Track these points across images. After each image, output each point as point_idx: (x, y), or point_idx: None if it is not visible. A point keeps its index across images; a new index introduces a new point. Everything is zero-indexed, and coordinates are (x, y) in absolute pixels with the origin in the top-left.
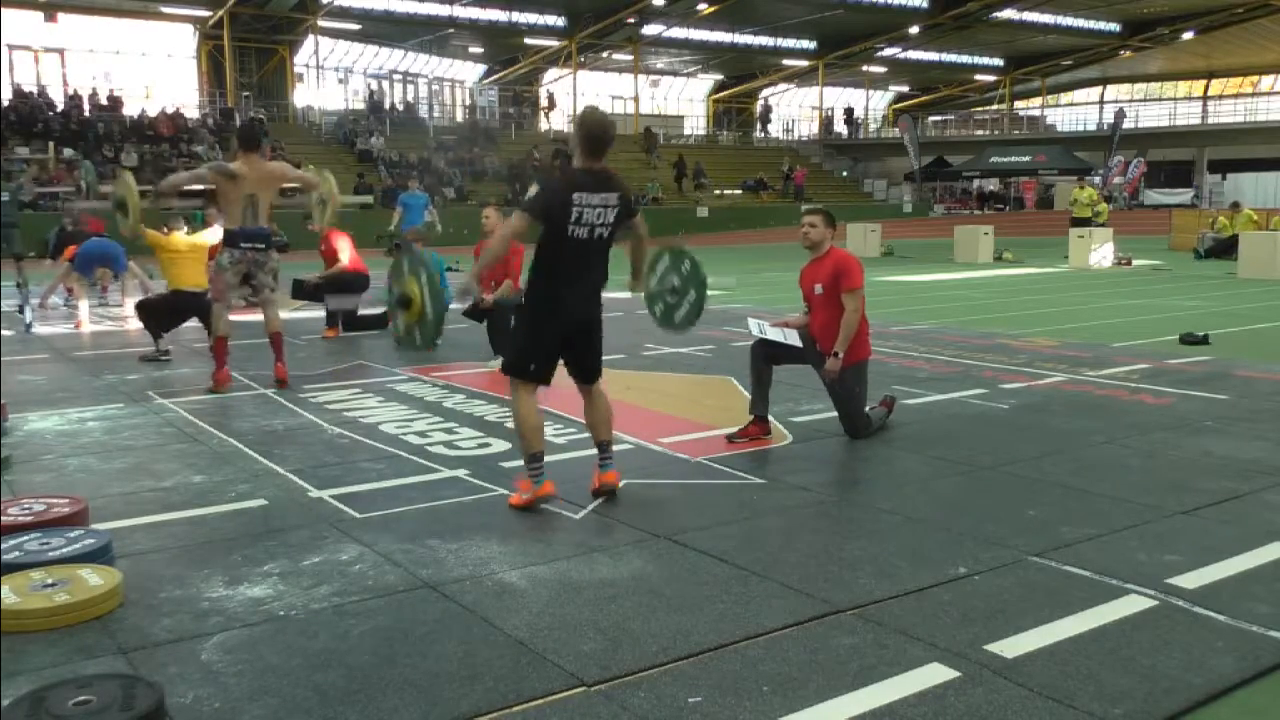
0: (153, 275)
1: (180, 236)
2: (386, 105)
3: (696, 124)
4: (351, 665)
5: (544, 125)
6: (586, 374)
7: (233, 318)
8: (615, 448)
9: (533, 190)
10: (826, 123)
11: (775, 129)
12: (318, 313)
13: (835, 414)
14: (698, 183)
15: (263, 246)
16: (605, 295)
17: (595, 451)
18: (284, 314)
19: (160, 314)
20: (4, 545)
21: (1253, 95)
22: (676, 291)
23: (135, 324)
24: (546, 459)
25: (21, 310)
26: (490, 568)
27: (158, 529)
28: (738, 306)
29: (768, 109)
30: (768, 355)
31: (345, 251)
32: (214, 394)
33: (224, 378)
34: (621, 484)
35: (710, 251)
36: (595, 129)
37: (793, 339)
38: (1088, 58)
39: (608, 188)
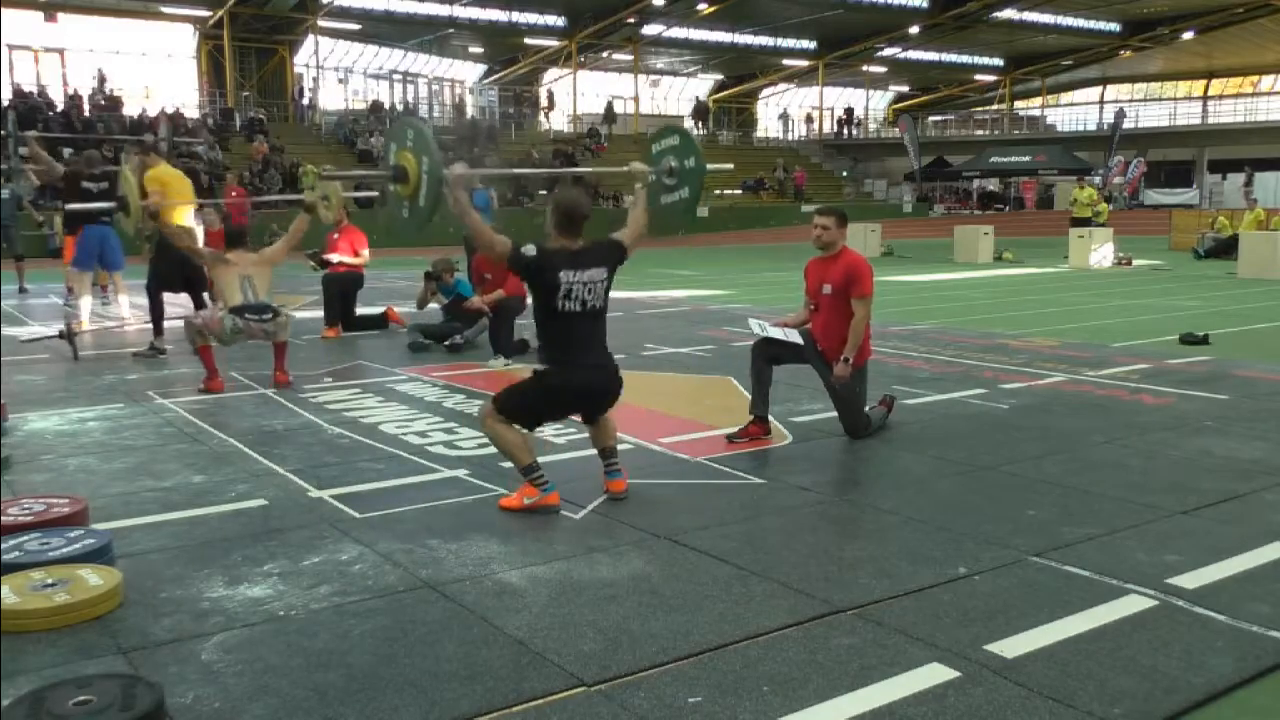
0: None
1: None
2: (308, 102)
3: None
4: (351, 665)
5: (544, 125)
6: (594, 417)
7: None
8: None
9: (530, 248)
10: (811, 122)
11: (775, 129)
12: (317, 312)
13: (835, 414)
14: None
15: (269, 315)
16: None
17: (594, 453)
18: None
19: (171, 276)
20: (4, 545)
21: (1253, 95)
22: (673, 174)
23: (135, 324)
24: (547, 459)
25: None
26: (490, 568)
27: (158, 529)
28: (737, 307)
29: (751, 114)
30: (769, 355)
31: (365, 251)
32: (209, 394)
33: (217, 386)
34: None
35: (710, 251)
36: (567, 206)
37: (794, 337)
38: (1088, 58)
39: (594, 264)
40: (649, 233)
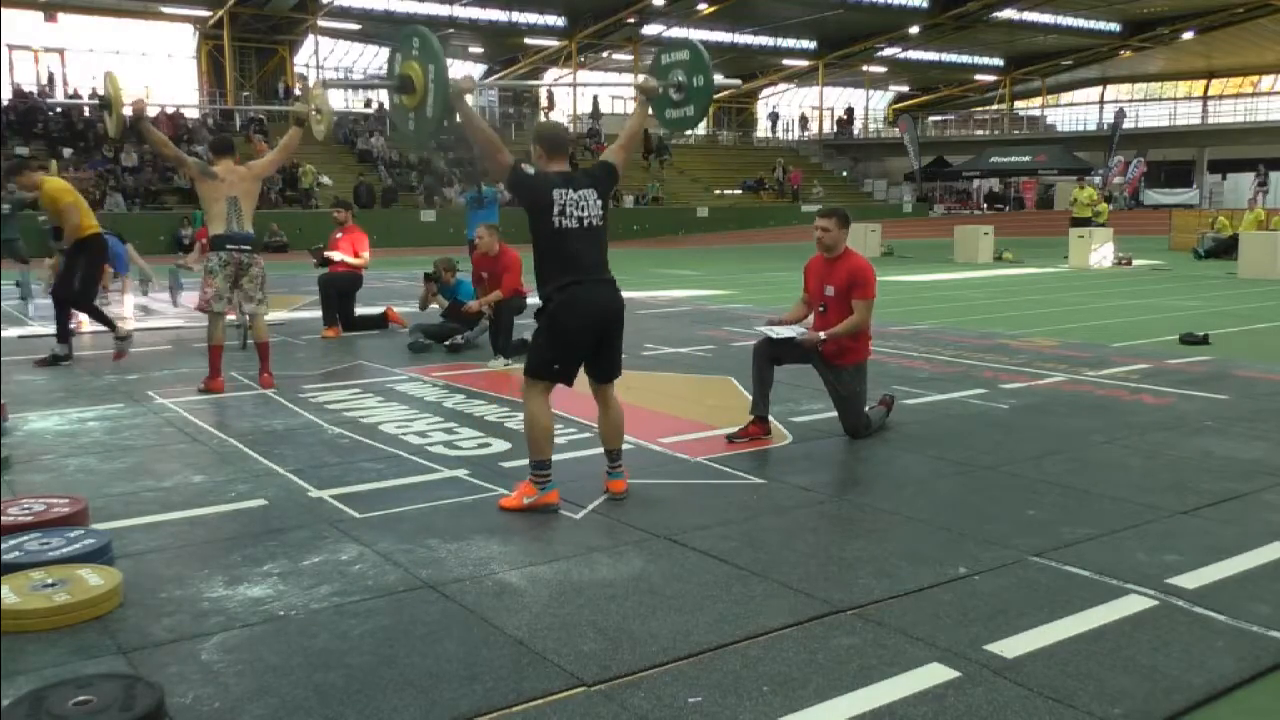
0: (149, 278)
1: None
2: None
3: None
4: (351, 665)
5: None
6: (605, 372)
7: (230, 317)
8: None
9: (529, 166)
10: (806, 122)
11: (772, 128)
12: (316, 312)
13: (835, 414)
14: (661, 159)
15: (248, 249)
16: None
17: (598, 452)
18: (285, 314)
19: (71, 280)
20: (4, 545)
21: (1253, 95)
22: (680, 89)
23: (133, 324)
24: None
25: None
26: (490, 568)
27: (158, 529)
28: (737, 307)
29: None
30: (771, 356)
31: (365, 253)
32: (209, 394)
33: (218, 387)
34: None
35: (710, 251)
36: (549, 130)
37: (802, 331)
38: (1088, 58)
39: (583, 184)
40: (648, 231)
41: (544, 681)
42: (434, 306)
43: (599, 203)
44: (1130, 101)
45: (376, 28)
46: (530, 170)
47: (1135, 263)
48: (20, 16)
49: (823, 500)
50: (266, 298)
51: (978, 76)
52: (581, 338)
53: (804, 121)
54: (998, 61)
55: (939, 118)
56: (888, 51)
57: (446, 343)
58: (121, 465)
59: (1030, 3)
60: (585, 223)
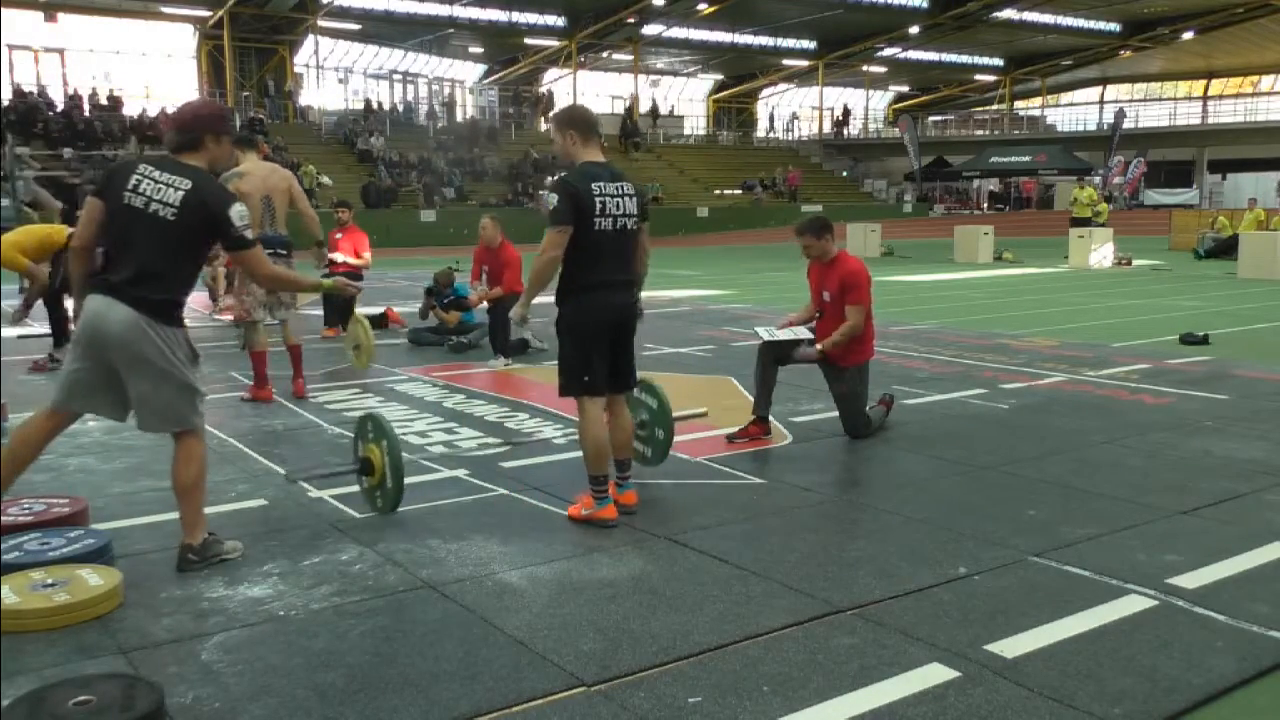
0: None
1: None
2: (301, 102)
3: (697, 124)
4: (351, 665)
5: (544, 125)
6: (620, 380)
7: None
8: None
9: (551, 200)
10: (797, 119)
11: (776, 128)
12: (316, 311)
13: (835, 414)
14: (634, 141)
15: (284, 253)
16: None
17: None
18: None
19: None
20: (4, 545)
21: (1253, 95)
22: (644, 425)
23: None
24: (544, 458)
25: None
26: (490, 568)
27: (158, 529)
28: (737, 307)
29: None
30: (775, 356)
31: (366, 253)
32: (255, 403)
33: (266, 396)
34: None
35: (710, 251)
36: (582, 114)
37: (803, 333)
38: (1088, 58)
39: (620, 177)
40: (648, 231)
41: (544, 681)
42: (432, 317)
43: (636, 202)
44: (1130, 101)
45: (376, 28)
46: (555, 200)
47: (1135, 263)
48: (20, 16)
49: (823, 500)
50: (296, 300)
51: (978, 76)
52: (596, 342)
53: (795, 120)
54: (998, 61)
55: (939, 118)
56: (888, 51)
57: (452, 340)
58: (121, 465)
59: (1030, 3)
60: (620, 225)
